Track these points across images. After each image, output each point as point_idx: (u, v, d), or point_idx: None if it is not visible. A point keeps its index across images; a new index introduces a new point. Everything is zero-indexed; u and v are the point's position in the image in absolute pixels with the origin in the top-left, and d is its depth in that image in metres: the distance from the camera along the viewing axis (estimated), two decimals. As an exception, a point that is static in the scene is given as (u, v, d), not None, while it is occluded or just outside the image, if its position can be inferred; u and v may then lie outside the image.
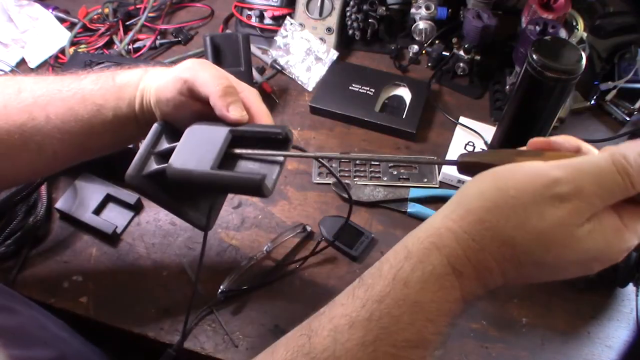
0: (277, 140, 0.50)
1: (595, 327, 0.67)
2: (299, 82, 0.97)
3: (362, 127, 0.89)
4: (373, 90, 0.92)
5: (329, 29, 0.99)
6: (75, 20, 1.06)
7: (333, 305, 0.42)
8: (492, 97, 0.93)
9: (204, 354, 0.65)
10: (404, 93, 0.93)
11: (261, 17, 1.03)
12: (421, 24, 0.97)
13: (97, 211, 0.76)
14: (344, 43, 1.02)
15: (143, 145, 0.53)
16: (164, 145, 0.53)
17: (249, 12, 1.03)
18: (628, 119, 0.87)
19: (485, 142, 0.84)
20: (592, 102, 0.90)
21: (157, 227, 0.77)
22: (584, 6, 0.92)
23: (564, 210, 0.36)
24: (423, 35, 0.98)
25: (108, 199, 0.78)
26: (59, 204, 0.76)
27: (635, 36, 0.90)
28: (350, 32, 1.00)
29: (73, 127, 0.57)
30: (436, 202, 0.79)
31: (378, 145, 0.87)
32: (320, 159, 0.65)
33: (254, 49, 0.97)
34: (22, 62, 1.01)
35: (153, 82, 0.55)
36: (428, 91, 0.93)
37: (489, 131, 0.85)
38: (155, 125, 0.54)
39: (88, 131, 0.57)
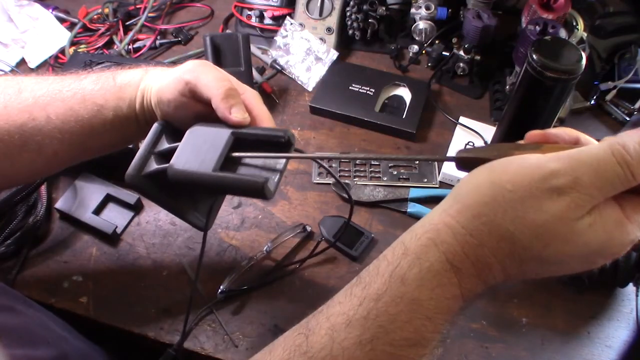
0: (279, 144, 0.50)
1: (595, 327, 0.67)
2: (299, 82, 0.97)
3: (362, 127, 0.89)
4: (373, 90, 0.92)
5: (329, 29, 0.99)
6: (75, 20, 1.06)
7: (331, 304, 0.41)
8: (492, 97, 0.93)
9: (204, 354, 0.65)
10: (404, 93, 0.93)
11: (261, 17, 1.03)
12: (421, 24, 0.97)
13: (97, 211, 0.76)
14: (344, 43, 1.02)
15: (143, 144, 0.53)
16: (164, 145, 0.53)
17: (249, 12, 1.03)
18: (628, 119, 0.87)
19: (485, 142, 0.84)
20: (592, 102, 0.90)
21: (157, 227, 0.77)
22: (584, 6, 0.92)
23: (563, 203, 0.35)
24: (423, 35, 0.98)
25: (108, 199, 0.78)
26: (59, 204, 0.76)
27: (635, 36, 0.90)
28: (350, 32, 1.00)
29: (73, 127, 0.57)
30: (436, 202, 0.77)
31: (378, 145, 0.87)
32: (319, 160, 0.65)
33: (254, 49, 0.97)
34: (22, 62, 1.01)
35: (154, 83, 0.55)
36: (428, 91, 0.93)
37: (489, 131, 0.85)
38: (155, 125, 0.54)
39: (88, 131, 0.57)
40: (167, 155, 0.52)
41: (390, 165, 0.83)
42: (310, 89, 0.96)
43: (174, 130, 0.54)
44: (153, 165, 0.52)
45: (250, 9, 1.03)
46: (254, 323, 0.68)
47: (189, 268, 0.72)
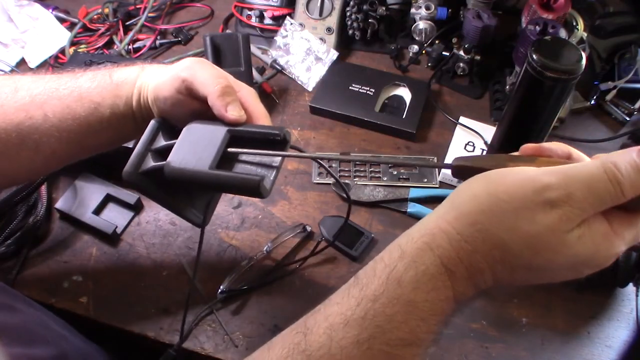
0: (275, 142, 0.50)
1: (595, 327, 0.67)
2: (299, 82, 0.97)
3: (362, 127, 0.89)
4: (373, 90, 0.92)
5: (329, 29, 0.99)
6: (75, 20, 1.06)
7: (328, 304, 0.42)
8: (492, 97, 0.93)
9: (204, 354, 0.65)
10: (404, 93, 0.93)
11: (261, 17, 1.03)
12: (421, 24, 0.97)
13: (97, 211, 0.76)
14: (344, 43, 1.02)
15: (140, 142, 0.53)
16: (161, 142, 0.54)
17: (249, 12, 1.03)
18: (628, 119, 0.87)
19: (485, 142, 0.84)
20: (592, 102, 0.90)
21: (157, 227, 0.77)
22: (584, 6, 0.92)
23: (555, 216, 0.36)
24: (423, 35, 0.98)
25: (108, 199, 0.78)
26: (59, 204, 0.76)
27: (635, 36, 0.90)
28: (350, 32, 1.00)
29: (70, 125, 0.57)
30: (436, 202, 0.79)
31: (378, 145, 0.87)
32: (319, 160, 0.65)
33: (254, 49, 0.97)
34: (22, 62, 1.01)
35: (151, 80, 0.55)
36: (428, 91, 0.93)
37: (489, 131, 0.85)
38: (152, 122, 0.55)
39: (86, 129, 0.57)
40: (164, 152, 0.52)
41: (390, 165, 0.83)
42: (310, 89, 0.96)
43: (171, 128, 0.55)
44: (150, 163, 0.52)
45: (250, 9, 1.03)
46: (254, 323, 0.68)
47: (189, 268, 0.72)
